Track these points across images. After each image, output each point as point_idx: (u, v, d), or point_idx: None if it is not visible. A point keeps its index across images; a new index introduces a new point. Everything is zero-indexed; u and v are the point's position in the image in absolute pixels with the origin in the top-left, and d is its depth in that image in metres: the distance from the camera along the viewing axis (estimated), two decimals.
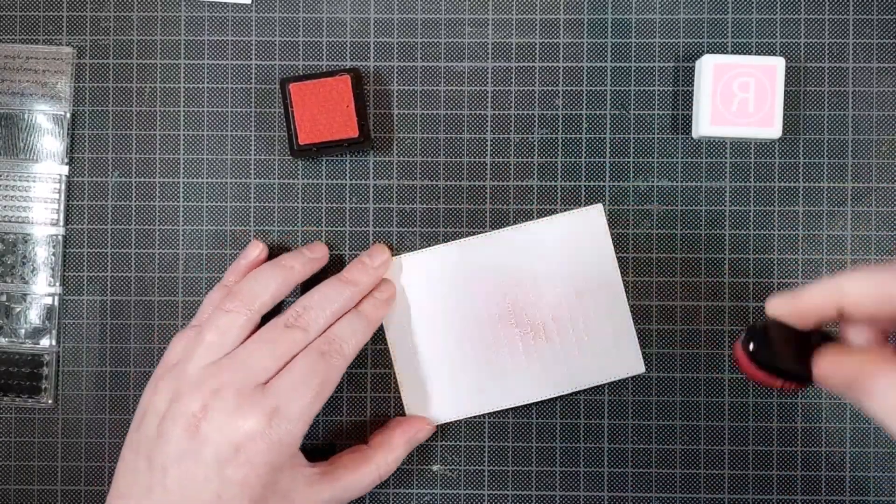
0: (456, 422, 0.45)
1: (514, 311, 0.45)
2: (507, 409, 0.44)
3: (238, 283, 0.42)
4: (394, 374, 0.45)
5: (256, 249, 0.44)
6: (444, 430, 0.46)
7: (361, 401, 0.45)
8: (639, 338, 0.45)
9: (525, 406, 0.45)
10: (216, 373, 0.39)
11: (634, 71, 0.46)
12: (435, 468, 0.46)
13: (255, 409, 0.38)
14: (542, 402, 0.45)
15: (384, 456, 0.42)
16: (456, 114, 0.46)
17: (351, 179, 0.46)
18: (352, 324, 0.42)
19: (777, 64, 0.43)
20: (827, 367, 0.31)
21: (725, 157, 0.45)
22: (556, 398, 0.45)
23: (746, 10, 0.46)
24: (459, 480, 0.45)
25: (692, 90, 0.45)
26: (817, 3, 0.46)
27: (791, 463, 0.45)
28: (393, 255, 0.45)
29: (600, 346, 0.44)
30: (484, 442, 0.46)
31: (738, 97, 0.43)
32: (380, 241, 0.46)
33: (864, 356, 0.30)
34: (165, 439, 0.38)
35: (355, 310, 0.43)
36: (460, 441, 0.46)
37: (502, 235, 0.45)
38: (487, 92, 0.46)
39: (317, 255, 0.44)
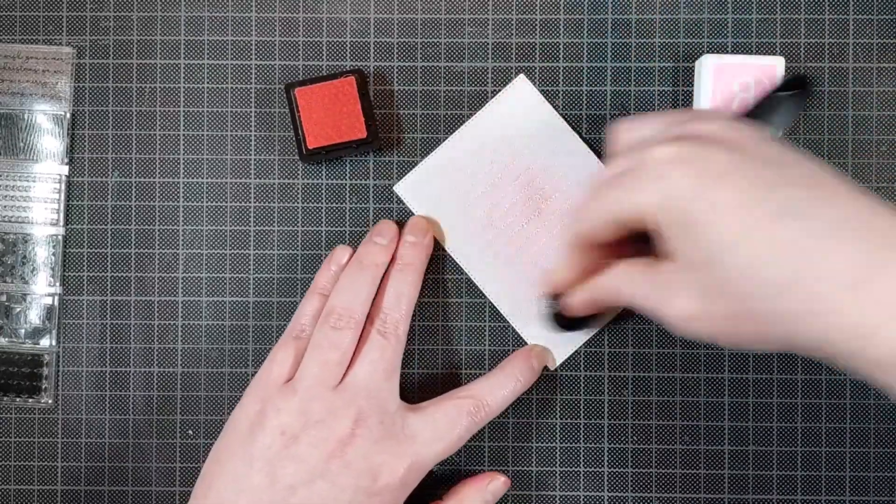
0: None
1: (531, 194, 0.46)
2: (507, 410, 0.44)
3: (333, 295, 0.42)
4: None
5: (346, 254, 0.44)
6: None
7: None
8: (638, 338, 0.45)
9: (526, 404, 0.45)
10: (352, 399, 0.40)
11: (634, 71, 0.46)
12: (435, 468, 0.45)
13: (396, 447, 0.40)
14: (545, 392, 0.45)
15: None
16: (456, 114, 0.46)
17: (351, 179, 0.46)
18: (395, 290, 0.43)
19: (777, 64, 0.43)
20: (575, 301, 0.39)
21: None
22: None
23: (746, 10, 0.46)
24: (457, 480, 0.45)
25: (692, 90, 0.45)
26: (817, 3, 0.46)
27: (791, 463, 0.45)
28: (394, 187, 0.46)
29: None
30: (484, 442, 0.46)
31: (739, 97, 0.43)
32: (383, 218, 0.46)
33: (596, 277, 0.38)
34: (299, 460, 0.39)
35: (395, 269, 0.43)
36: None
37: (463, 132, 0.46)
38: (487, 92, 0.46)
39: (388, 238, 0.44)
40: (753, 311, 0.31)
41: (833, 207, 0.30)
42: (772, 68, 0.43)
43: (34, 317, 0.46)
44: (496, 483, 0.44)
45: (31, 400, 0.46)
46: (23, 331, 0.46)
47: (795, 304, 0.29)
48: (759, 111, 0.39)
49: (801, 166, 0.32)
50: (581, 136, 0.45)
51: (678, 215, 0.31)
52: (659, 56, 0.46)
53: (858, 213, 0.30)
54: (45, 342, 0.46)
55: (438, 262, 0.46)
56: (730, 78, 0.43)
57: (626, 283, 0.36)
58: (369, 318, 0.43)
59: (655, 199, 0.32)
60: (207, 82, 0.46)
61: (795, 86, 0.40)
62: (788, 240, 0.29)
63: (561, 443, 0.46)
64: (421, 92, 0.46)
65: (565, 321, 0.42)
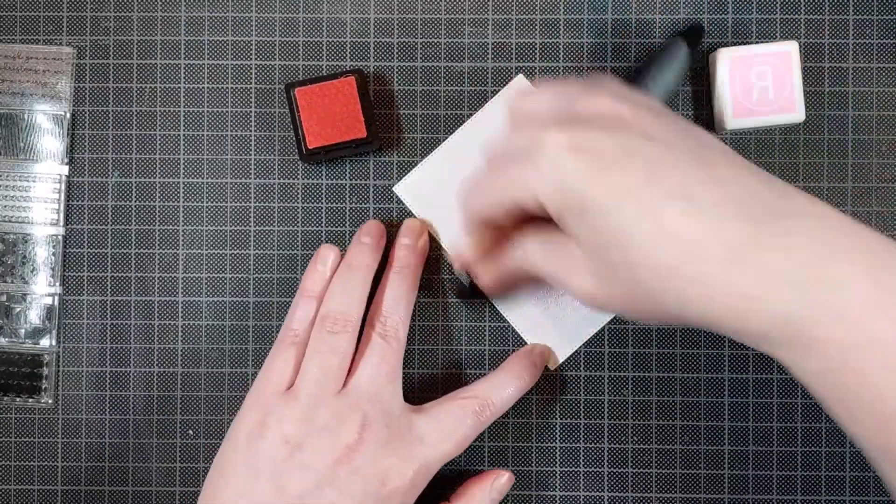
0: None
1: None
2: (508, 410, 0.44)
3: (327, 299, 0.42)
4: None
5: (331, 252, 0.43)
6: None
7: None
8: (638, 338, 0.45)
9: (526, 404, 0.45)
10: (357, 403, 0.40)
11: (635, 71, 0.46)
12: None
13: (403, 450, 0.40)
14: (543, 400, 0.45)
15: None
16: (456, 114, 0.46)
17: (351, 179, 0.46)
18: (393, 293, 0.43)
19: (791, 49, 0.43)
20: (486, 281, 0.41)
21: None
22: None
23: (746, 10, 0.46)
24: (460, 480, 0.45)
25: (692, 90, 0.45)
26: (817, 3, 0.46)
27: (791, 463, 0.45)
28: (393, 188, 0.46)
29: None
30: (484, 442, 0.46)
31: (757, 86, 0.43)
32: (372, 219, 0.45)
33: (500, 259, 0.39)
34: (306, 468, 0.38)
35: (391, 272, 0.43)
36: None
37: (463, 132, 0.46)
38: (487, 92, 0.46)
39: (375, 236, 0.44)
40: (647, 291, 0.32)
41: (717, 186, 0.31)
42: (786, 55, 0.43)
43: (34, 317, 0.46)
44: (500, 480, 0.44)
45: (31, 400, 0.46)
46: (23, 331, 0.46)
47: (683, 284, 0.30)
48: (645, 72, 0.40)
49: (687, 143, 0.32)
50: None
51: (574, 202, 0.32)
52: None
53: (743, 189, 0.31)
54: (45, 342, 0.46)
55: (438, 263, 0.46)
56: (746, 69, 0.43)
57: (529, 261, 0.37)
58: (369, 322, 0.42)
59: (550, 188, 0.32)
60: (207, 82, 0.46)
61: (689, 36, 0.41)
62: (674, 224, 0.30)
63: (561, 443, 0.46)
64: (421, 92, 0.46)
65: (480, 292, 0.43)
